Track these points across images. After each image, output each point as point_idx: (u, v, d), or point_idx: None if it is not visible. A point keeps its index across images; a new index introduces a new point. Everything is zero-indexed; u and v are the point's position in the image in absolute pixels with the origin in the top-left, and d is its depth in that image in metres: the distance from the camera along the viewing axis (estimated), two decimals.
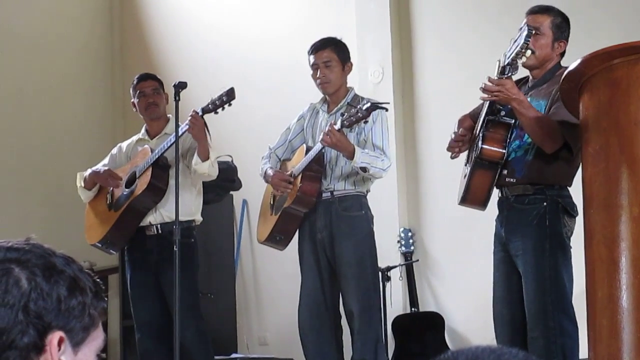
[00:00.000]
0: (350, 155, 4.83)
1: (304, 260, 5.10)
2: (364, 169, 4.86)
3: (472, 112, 4.61)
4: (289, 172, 5.10)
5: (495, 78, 4.06)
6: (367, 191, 5.09)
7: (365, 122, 4.81)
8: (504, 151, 4.22)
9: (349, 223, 4.98)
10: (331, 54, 5.07)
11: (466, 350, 1.29)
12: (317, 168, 5.02)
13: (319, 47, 5.09)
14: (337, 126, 4.79)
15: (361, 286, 4.92)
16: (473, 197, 4.39)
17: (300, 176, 5.01)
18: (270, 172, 5.15)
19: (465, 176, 4.45)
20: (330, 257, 5.00)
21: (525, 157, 4.25)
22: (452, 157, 4.59)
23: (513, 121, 4.22)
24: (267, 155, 5.30)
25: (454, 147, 4.48)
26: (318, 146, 4.94)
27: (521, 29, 4.06)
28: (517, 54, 3.92)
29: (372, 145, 4.95)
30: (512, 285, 4.33)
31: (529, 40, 3.86)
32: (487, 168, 4.28)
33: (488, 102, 4.22)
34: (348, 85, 5.19)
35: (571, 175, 4.27)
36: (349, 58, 5.13)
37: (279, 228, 5.12)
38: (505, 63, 4.00)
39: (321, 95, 5.22)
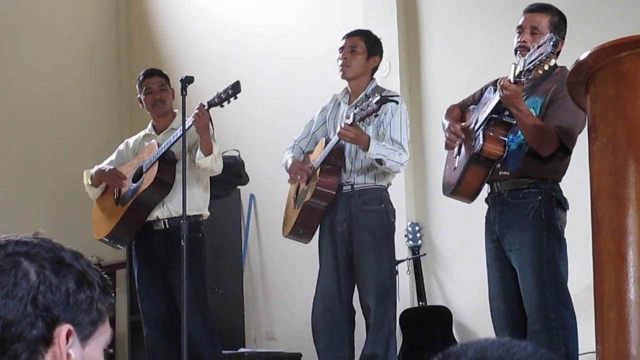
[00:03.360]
0: (366, 147, 4.82)
1: (322, 253, 5.10)
2: (379, 161, 4.85)
3: (461, 103, 4.69)
4: (309, 165, 5.11)
5: (512, 81, 4.06)
6: (388, 184, 5.08)
7: (376, 115, 4.81)
8: (503, 152, 4.26)
9: (367, 217, 4.97)
10: (359, 41, 5.09)
11: (475, 343, 1.29)
12: (335, 161, 5.01)
13: (350, 34, 5.15)
14: (350, 120, 4.79)
15: (378, 281, 4.92)
16: (463, 190, 4.44)
17: (319, 170, 5.01)
18: (290, 161, 5.15)
19: (454, 168, 4.47)
20: (349, 251, 5.00)
21: (520, 151, 4.30)
22: (446, 148, 4.62)
23: (515, 122, 4.26)
24: (291, 146, 5.30)
25: (454, 142, 4.50)
26: (334, 140, 4.94)
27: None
28: (541, 62, 3.88)
29: (389, 139, 4.94)
30: (507, 281, 4.36)
31: (554, 50, 3.84)
32: (483, 164, 4.33)
33: (496, 101, 4.23)
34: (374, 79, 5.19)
35: (563, 171, 4.34)
36: (377, 53, 5.14)
37: (301, 222, 5.12)
38: (525, 69, 3.99)
39: (343, 86, 5.22)
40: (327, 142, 5.07)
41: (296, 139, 5.32)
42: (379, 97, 4.75)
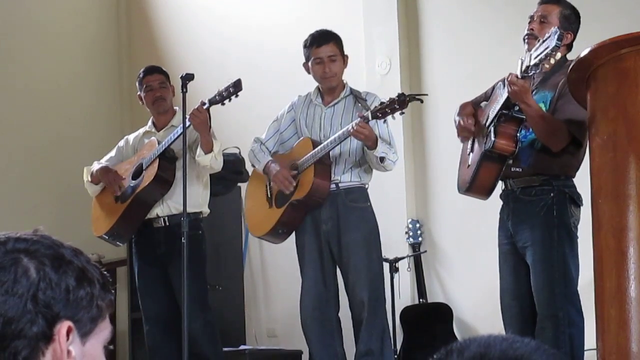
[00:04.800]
0: (374, 145, 4.82)
1: (305, 252, 5.08)
2: (382, 159, 4.86)
3: (474, 100, 4.67)
4: (292, 164, 5.08)
5: (519, 76, 4.07)
6: (368, 183, 5.10)
7: (402, 113, 4.80)
8: (515, 148, 4.25)
9: (357, 215, 4.97)
10: (335, 49, 5.06)
11: (478, 338, 1.30)
12: (328, 161, 5.01)
13: (322, 42, 5.06)
14: (367, 119, 4.77)
15: (370, 277, 4.93)
16: (478, 188, 4.43)
17: (312, 169, 4.99)
18: (274, 166, 5.10)
19: (468, 166, 4.47)
20: (334, 249, 5.00)
21: (532, 147, 4.29)
22: (462, 141, 4.61)
23: (525, 117, 4.25)
24: (258, 148, 5.23)
25: (466, 133, 4.49)
26: (337, 137, 4.90)
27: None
28: (546, 56, 3.88)
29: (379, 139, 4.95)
30: (519, 277, 4.36)
31: (559, 44, 3.83)
32: (496, 161, 4.32)
33: (505, 96, 4.23)
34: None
35: (576, 167, 4.32)
36: (343, 50, 5.14)
37: (284, 221, 5.09)
38: (532, 63, 3.99)
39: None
40: (314, 142, 5.04)
41: (262, 139, 5.25)
42: (407, 95, 4.74)
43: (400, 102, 4.72)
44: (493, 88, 4.59)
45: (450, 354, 1.29)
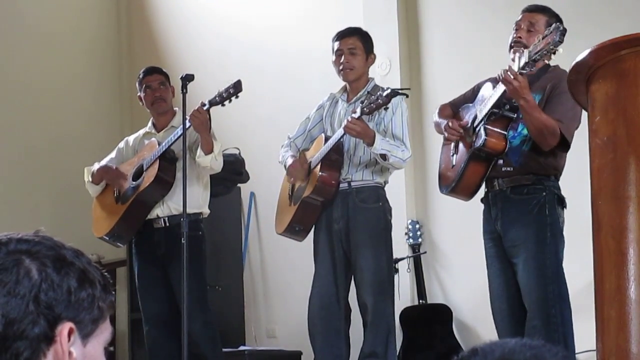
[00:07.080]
0: (371, 142, 4.82)
1: (319, 251, 5.09)
2: (383, 157, 4.85)
3: (452, 102, 4.72)
4: (308, 163, 5.11)
5: (516, 70, 4.09)
6: (385, 182, 5.08)
7: (386, 108, 4.81)
8: (505, 146, 4.29)
9: (365, 215, 4.96)
10: (357, 42, 5.08)
11: (504, 342, 1.29)
12: (336, 157, 5.01)
13: (345, 34, 5.10)
14: (357, 114, 4.79)
15: (376, 279, 4.92)
16: (463, 188, 4.46)
17: (319, 166, 5.00)
18: (290, 160, 5.14)
19: (452, 166, 4.49)
20: (346, 248, 4.99)
21: (522, 146, 4.32)
22: (445, 143, 4.65)
23: (515, 116, 4.29)
24: (287, 144, 5.29)
25: (454, 138, 4.52)
26: (337, 135, 4.93)
27: (553, 28, 4.06)
28: (548, 51, 3.92)
29: (391, 136, 4.95)
30: (508, 280, 4.38)
31: (562, 39, 3.86)
32: (483, 160, 4.35)
33: (498, 95, 4.25)
34: (370, 77, 5.21)
35: (562, 169, 4.38)
36: (372, 50, 5.14)
37: (298, 218, 5.11)
38: (531, 59, 4.01)
39: (340, 85, 5.22)
40: (326, 139, 5.07)
41: (292, 136, 5.31)
42: (389, 90, 4.76)
43: (383, 98, 4.74)
44: (473, 90, 4.64)
45: (473, 356, 1.28)
